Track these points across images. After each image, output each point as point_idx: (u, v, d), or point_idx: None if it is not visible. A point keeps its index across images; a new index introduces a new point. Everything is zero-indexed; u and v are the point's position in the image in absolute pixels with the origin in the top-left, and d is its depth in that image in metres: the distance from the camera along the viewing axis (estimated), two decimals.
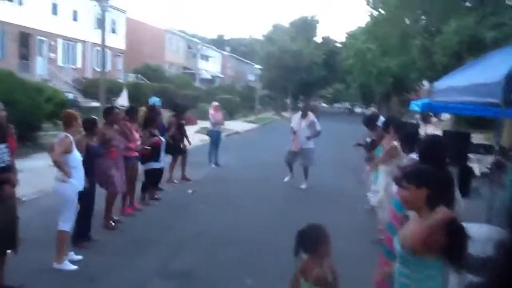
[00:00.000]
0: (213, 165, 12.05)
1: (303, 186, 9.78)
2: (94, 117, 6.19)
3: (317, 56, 52.40)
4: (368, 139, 8.10)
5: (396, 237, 2.71)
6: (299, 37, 54.04)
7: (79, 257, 5.20)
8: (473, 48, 18.02)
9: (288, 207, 8.29)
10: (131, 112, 7.29)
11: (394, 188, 4.40)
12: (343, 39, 58.63)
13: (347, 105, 77.21)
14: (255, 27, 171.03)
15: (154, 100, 16.45)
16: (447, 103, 8.45)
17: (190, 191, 8.93)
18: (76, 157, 5.05)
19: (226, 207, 8.07)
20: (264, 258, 5.61)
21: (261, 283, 4.85)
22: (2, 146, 4.09)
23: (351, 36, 55.20)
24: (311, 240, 2.93)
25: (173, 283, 4.80)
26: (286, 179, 10.08)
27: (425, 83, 32.56)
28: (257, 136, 21.91)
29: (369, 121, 8.05)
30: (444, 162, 3.69)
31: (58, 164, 4.89)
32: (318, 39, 61.69)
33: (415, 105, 11.39)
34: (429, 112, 14.74)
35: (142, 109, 8.25)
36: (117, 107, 7.79)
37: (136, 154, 7.17)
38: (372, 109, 49.07)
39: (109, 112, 6.61)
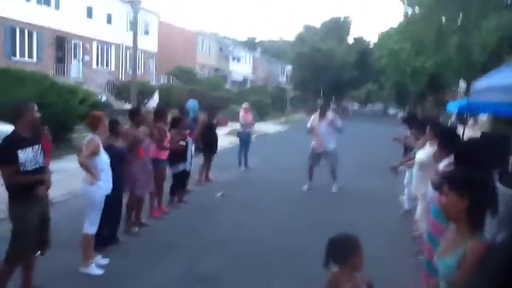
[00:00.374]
0: (243, 168, 11.93)
1: (334, 189, 9.48)
2: (116, 118, 6.15)
3: (349, 56, 51.70)
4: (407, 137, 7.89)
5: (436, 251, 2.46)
6: (330, 37, 53.49)
7: (106, 260, 5.15)
8: None
9: (318, 211, 8.06)
10: (159, 113, 7.21)
11: (434, 195, 4.12)
12: (376, 40, 57.80)
13: (380, 106, 75.84)
14: (286, 29, 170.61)
15: (192, 104, 16.52)
16: (487, 103, 8.04)
17: (219, 194, 8.80)
18: (104, 159, 4.99)
19: (254, 210, 7.92)
20: (291, 263, 5.44)
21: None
22: (36, 147, 4.07)
23: (385, 36, 54.28)
24: (341, 251, 2.72)
25: (199, 287, 4.66)
26: (305, 187, 9.54)
27: (461, 82, 31.56)
28: (287, 137, 21.67)
29: (410, 119, 7.88)
30: (483, 167, 3.40)
31: (85, 167, 4.85)
32: (350, 39, 61.00)
33: (453, 106, 10.95)
34: (467, 113, 14.17)
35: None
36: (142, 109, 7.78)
37: (165, 156, 7.09)
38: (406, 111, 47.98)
39: (135, 113, 6.53)
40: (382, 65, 48.60)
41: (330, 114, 9.58)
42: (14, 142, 3.95)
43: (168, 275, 4.94)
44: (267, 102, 34.33)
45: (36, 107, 4.15)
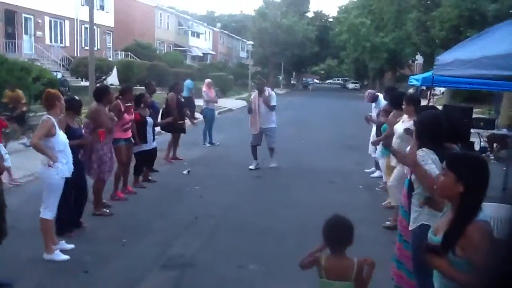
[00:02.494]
0: (208, 144, 11.73)
1: (272, 164, 9.14)
2: (74, 96, 5.82)
3: (310, 32, 51.66)
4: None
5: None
6: (290, 12, 53.17)
7: (71, 246, 4.91)
8: (473, 22, 17.64)
9: (285, 187, 8.00)
10: (125, 91, 6.91)
11: (406, 169, 4.11)
12: (335, 14, 57.97)
13: (339, 81, 76.57)
14: (246, 3, 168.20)
15: (188, 83, 16.43)
16: (450, 77, 8.14)
17: (185, 172, 8.62)
18: (62, 140, 4.68)
19: (222, 188, 7.79)
20: (263, 241, 5.36)
21: (264, 268, 4.59)
22: None
23: (344, 10, 54.48)
24: (335, 237, 2.67)
25: (173, 273, 4.52)
26: (252, 166, 9.07)
27: (419, 58, 32.21)
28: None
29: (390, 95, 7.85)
30: (444, 139, 3.39)
31: (39, 148, 4.52)
32: (310, 14, 60.88)
33: (415, 80, 11.08)
34: (429, 86, 14.43)
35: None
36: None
37: (126, 135, 6.81)
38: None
39: (104, 91, 6.20)
40: (341, 40, 48.86)
41: (267, 91, 9.11)
42: None
43: (139, 259, 4.75)
44: (229, 78, 33.96)
45: None
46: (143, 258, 4.79)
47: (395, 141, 5.74)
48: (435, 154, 3.14)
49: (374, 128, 8.42)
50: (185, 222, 5.94)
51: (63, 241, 4.91)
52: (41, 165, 4.62)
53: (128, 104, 6.80)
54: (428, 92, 10.51)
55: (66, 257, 4.68)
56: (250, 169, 9.00)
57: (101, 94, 6.20)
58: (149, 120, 7.55)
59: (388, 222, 5.78)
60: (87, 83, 21.07)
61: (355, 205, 6.60)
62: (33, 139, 4.55)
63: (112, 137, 6.28)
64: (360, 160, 9.79)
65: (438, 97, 24.82)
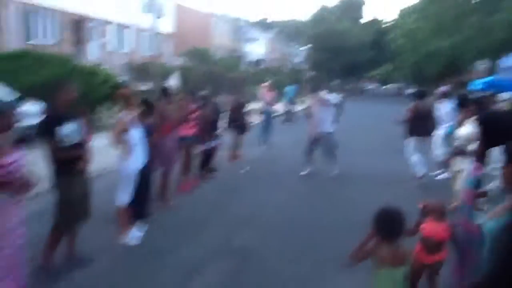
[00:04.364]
0: (264, 146, 12.04)
1: (335, 171, 8.86)
2: (147, 97, 6.30)
3: (365, 37, 51.07)
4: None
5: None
6: (345, 18, 52.84)
7: (141, 233, 5.33)
8: None
9: (339, 188, 8.12)
10: (191, 94, 7.41)
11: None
12: (390, 19, 56.93)
13: (396, 86, 74.86)
14: (299, 9, 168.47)
15: (290, 89, 17.88)
16: None
17: (243, 170, 8.96)
18: (135, 135, 5.13)
19: (277, 187, 8.03)
20: (318, 237, 5.56)
21: (318, 264, 4.79)
22: (74, 124, 4.22)
23: (401, 15, 53.35)
24: (387, 226, 2.84)
25: (235, 261, 4.81)
26: (304, 172, 8.92)
27: (481, 62, 31.05)
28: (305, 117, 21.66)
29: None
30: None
31: (117, 143, 5.00)
32: (364, 20, 60.21)
33: (476, 84, 10.86)
34: (491, 91, 14.04)
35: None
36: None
37: (192, 133, 7.23)
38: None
39: (167, 92, 6.67)
40: (398, 45, 47.86)
41: (322, 93, 9.02)
42: (54, 118, 4.10)
43: (202, 247, 5.09)
44: (285, 83, 34.21)
45: (74, 86, 4.29)
46: (205, 247, 5.12)
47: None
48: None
49: (442, 130, 8.37)
50: (243, 217, 6.24)
51: (135, 228, 5.34)
52: (118, 157, 5.08)
53: (194, 105, 7.23)
54: (488, 98, 10.27)
55: (137, 242, 5.10)
56: (301, 175, 8.88)
57: (168, 94, 6.67)
58: (214, 119, 7.96)
59: None
60: (148, 87, 22.10)
61: (410, 207, 6.63)
62: (112, 134, 5.01)
63: (177, 134, 6.70)
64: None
65: (505, 103, 23.87)
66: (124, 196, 5.13)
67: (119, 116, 5.13)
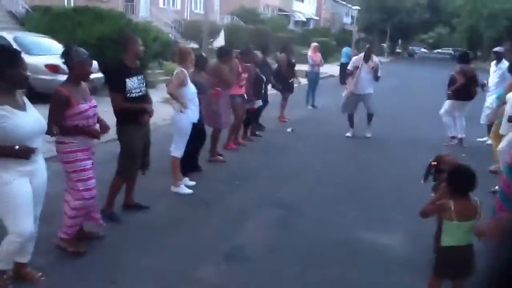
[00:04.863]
0: (310, 107, 12.14)
1: (368, 134, 8.99)
2: (201, 53, 6.50)
3: None
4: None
5: None
6: None
7: (193, 182, 5.68)
8: None
9: (386, 150, 8.20)
10: (244, 53, 7.55)
11: None
12: None
13: (450, 50, 71.79)
14: None
15: (346, 50, 18.33)
16: None
17: (289, 129, 9.17)
18: (191, 90, 5.39)
19: (324, 147, 8.20)
20: (363, 194, 5.76)
21: (362, 216, 5.00)
22: (140, 77, 4.51)
23: None
24: (462, 181, 3.02)
25: (279, 213, 5.07)
26: (349, 134, 9.02)
27: None
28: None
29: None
30: None
31: (174, 96, 5.29)
32: None
33: None
34: None
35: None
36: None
37: (242, 92, 7.43)
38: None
39: (225, 52, 6.85)
40: (456, 6, 45.57)
41: (375, 58, 9.01)
42: (122, 70, 4.38)
43: (250, 199, 5.39)
44: (332, 44, 33.60)
45: (140, 41, 4.54)
46: (253, 197, 5.42)
47: (508, 110, 5.73)
48: None
49: (491, 97, 8.27)
50: (290, 173, 6.49)
51: (187, 178, 5.69)
52: (174, 110, 5.39)
53: (248, 64, 7.41)
54: None
55: (189, 191, 5.46)
56: (347, 137, 9.00)
57: (224, 54, 6.85)
58: (263, 78, 8.11)
59: (497, 187, 5.79)
60: (196, 45, 22.33)
61: None
62: (169, 88, 5.30)
63: (229, 92, 6.93)
64: (468, 129, 9.57)
65: None
66: (178, 149, 5.46)
67: (175, 71, 5.38)
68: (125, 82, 4.35)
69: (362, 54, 8.96)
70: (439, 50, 77.45)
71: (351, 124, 9.06)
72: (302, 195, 5.64)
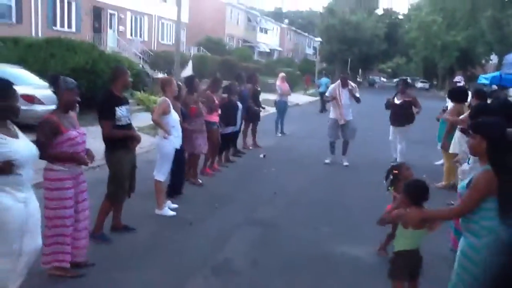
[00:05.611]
0: (279, 134, 12.67)
1: (345, 163, 9.25)
2: (179, 83, 6.90)
3: (378, 29, 51.25)
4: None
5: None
6: (359, 9, 52.96)
7: (176, 205, 5.98)
8: None
9: (354, 173, 8.75)
10: (214, 82, 8.01)
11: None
12: (406, 11, 56.85)
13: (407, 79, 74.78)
14: (313, 0, 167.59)
15: (325, 80, 19.37)
16: None
17: (262, 155, 9.62)
18: (174, 117, 5.77)
19: (296, 171, 8.67)
20: (334, 212, 6.25)
21: (336, 231, 5.44)
22: (127, 106, 4.85)
23: (415, 7, 53.35)
24: (417, 193, 3.37)
25: (259, 230, 5.47)
26: (328, 160, 9.35)
27: (493, 57, 31.23)
28: (317, 108, 22.21)
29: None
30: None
31: (157, 123, 5.66)
32: (379, 11, 60.17)
33: (484, 79, 11.36)
34: (497, 85, 14.48)
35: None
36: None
37: (217, 119, 7.84)
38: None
39: (190, 81, 7.28)
40: (411, 38, 48.05)
41: (351, 83, 9.39)
42: (112, 99, 4.73)
43: (230, 219, 5.74)
44: (297, 74, 34.69)
45: (129, 73, 4.91)
46: (233, 218, 5.78)
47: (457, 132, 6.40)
48: None
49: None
50: (265, 195, 6.90)
51: (169, 201, 5.99)
52: (157, 137, 5.74)
53: (224, 95, 7.89)
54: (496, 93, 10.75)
55: (173, 213, 5.77)
56: (326, 163, 9.25)
57: (191, 84, 7.28)
58: (239, 105, 8.57)
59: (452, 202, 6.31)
60: (164, 75, 22.71)
61: None
62: (153, 116, 5.66)
63: (203, 120, 7.32)
64: (424, 154, 10.29)
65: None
66: (161, 173, 5.78)
67: (158, 100, 5.76)
68: (115, 111, 4.68)
69: (338, 82, 9.39)
70: (397, 79, 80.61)
71: (332, 151, 9.36)
72: (278, 215, 6.05)
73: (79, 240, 4.10)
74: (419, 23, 44.46)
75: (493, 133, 2.91)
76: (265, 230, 5.48)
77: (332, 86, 9.71)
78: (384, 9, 61.81)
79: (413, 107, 9.10)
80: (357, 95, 9.34)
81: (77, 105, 4.17)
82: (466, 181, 3.03)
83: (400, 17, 60.86)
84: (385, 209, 3.84)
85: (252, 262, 4.57)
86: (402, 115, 9.05)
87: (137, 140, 4.92)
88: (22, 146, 3.21)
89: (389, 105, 9.25)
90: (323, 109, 19.38)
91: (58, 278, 3.91)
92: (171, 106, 5.74)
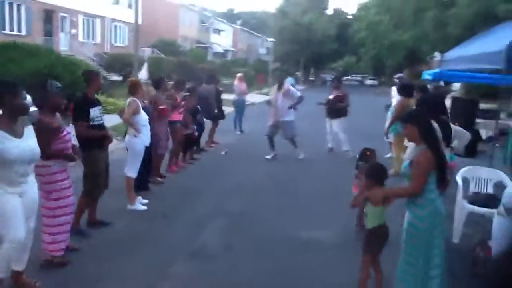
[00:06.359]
0: (238, 132, 13.10)
1: (301, 156, 9.65)
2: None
3: (329, 29, 52.72)
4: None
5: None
6: (310, 9, 54.25)
7: (146, 200, 6.26)
8: (487, 21, 18.55)
9: (309, 164, 9.29)
10: (179, 84, 8.35)
11: None
12: (355, 11, 58.72)
13: (357, 77, 77.11)
14: (265, 1, 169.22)
15: (290, 80, 19.79)
16: (456, 71, 9.33)
17: (223, 152, 10.01)
18: (143, 117, 6.07)
19: (257, 165, 9.11)
20: (300, 200, 6.76)
21: (300, 216, 5.92)
22: (100, 107, 5.12)
23: (363, 8, 55.20)
24: (379, 174, 3.80)
25: (229, 219, 5.87)
26: (269, 157, 9.65)
27: (437, 54, 32.96)
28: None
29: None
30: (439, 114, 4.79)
31: (128, 123, 5.93)
32: (329, 11, 61.83)
33: (427, 75, 12.21)
34: (440, 81, 15.47)
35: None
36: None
37: (181, 118, 8.15)
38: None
39: (160, 81, 7.56)
40: (360, 37, 49.73)
41: (286, 85, 9.62)
42: (86, 101, 4.99)
43: (200, 211, 6.09)
44: (251, 74, 35.20)
45: (101, 76, 5.17)
46: (204, 209, 6.14)
47: None
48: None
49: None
50: (231, 188, 7.30)
51: (140, 197, 6.26)
52: (128, 135, 6.01)
53: (186, 94, 8.20)
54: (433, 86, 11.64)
55: (144, 207, 6.05)
56: (267, 159, 9.55)
57: (157, 83, 7.59)
58: (199, 107, 8.91)
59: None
60: (119, 78, 22.63)
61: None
62: (124, 116, 5.93)
63: (167, 121, 7.61)
64: (374, 147, 10.92)
65: (454, 94, 25.73)
66: (132, 170, 6.06)
67: (128, 100, 6.03)
68: (88, 112, 4.94)
69: (276, 85, 9.76)
70: (348, 77, 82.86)
71: (272, 147, 9.69)
72: (246, 204, 6.48)
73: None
74: (367, 23, 46.15)
75: (420, 120, 3.54)
76: (235, 219, 5.88)
77: (273, 89, 10.00)
78: (334, 10, 63.59)
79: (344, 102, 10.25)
80: (297, 95, 9.55)
81: (62, 107, 4.42)
82: (407, 162, 3.56)
83: (350, 17, 62.73)
84: (352, 194, 4.34)
85: (227, 246, 4.96)
86: (334, 109, 10.25)
87: (109, 139, 5.20)
88: (21, 146, 3.44)
89: (322, 103, 10.56)
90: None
91: (46, 266, 4.16)
92: (140, 106, 6.03)
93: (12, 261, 3.61)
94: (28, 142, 3.54)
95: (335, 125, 10.37)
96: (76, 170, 5.46)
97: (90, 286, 4.00)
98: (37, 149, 3.60)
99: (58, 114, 4.38)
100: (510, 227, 3.02)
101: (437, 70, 10.92)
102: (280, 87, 9.57)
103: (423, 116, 3.62)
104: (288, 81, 10.91)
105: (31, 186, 3.67)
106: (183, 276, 4.27)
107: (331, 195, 6.98)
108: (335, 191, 7.12)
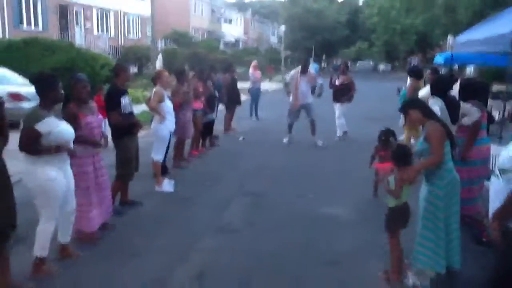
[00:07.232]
0: (254, 118, 13.48)
1: (319, 143, 9.84)
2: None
3: (340, 16, 52.53)
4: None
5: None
6: None
7: (172, 181, 6.66)
8: (497, 5, 18.54)
9: (326, 149, 9.62)
10: (200, 73, 8.78)
11: None
12: None
13: (370, 63, 76.86)
14: None
15: (314, 66, 19.83)
16: (467, 54, 9.55)
17: (241, 138, 10.39)
18: (168, 104, 6.47)
19: (275, 150, 9.48)
20: (317, 182, 7.10)
21: (319, 197, 6.30)
22: (129, 97, 5.51)
23: None
24: (404, 156, 3.90)
25: (251, 199, 6.28)
26: (285, 140, 10.04)
27: (450, 38, 32.81)
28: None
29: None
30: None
31: (154, 110, 6.34)
32: None
33: (439, 58, 12.40)
34: (453, 65, 15.56)
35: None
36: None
37: (202, 106, 8.53)
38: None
39: (182, 73, 7.93)
40: (371, 23, 49.54)
41: (311, 71, 10.03)
42: (118, 91, 5.38)
43: (223, 192, 6.51)
44: (264, 63, 35.40)
45: (129, 69, 5.57)
46: (226, 191, 6.54)
47: None
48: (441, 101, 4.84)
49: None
50: (251, 171, 7.69)
51: (166, 179, 6.67)
52: (154, 122, 6.42)
53: (207, 83, 8.62)
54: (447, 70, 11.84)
55: (172, 189, 6.47)
56: (284, 143, 9.96)
57: (178, 75, 7.95)
58: (216, 95, 9.29)
59: None
60: (134, 69, 23.08)
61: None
62: (150, 103, 6.34)
63: (191, 108, 7.99)
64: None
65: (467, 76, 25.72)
66: (159, 154, 6.49)
67: (154, 90, 6.44)
68: (119, 101, 5.33)
69: (299, 68, 10.03)
70: (360, 62, 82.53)
71: (290, 131, 10.08)
72: (266, 186, 6.86)
73: (104, 202, 4.83)
74: (379, 8, 45.95)
75: (417, 103, 4.01)
76: (256, 199, 6.27)
77: (293, 71, 10.23)
78: None
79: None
80: (319, 81, 10.20)
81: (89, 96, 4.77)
82: (420, 140, 3.87)
83: (360, 3, 62.39)
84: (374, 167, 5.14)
85: (249, 223, 5.35)
86: (339, 94, 10.64)
87: (139, 126, 5.60)
88: (66, 128, 3.91)
89: (332, 85, 10.80)
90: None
91: (79, 243, 4.57)
92: (165, 95, 6.43)
93: (49, 239, 3.92)
94: (68, 125, 3.97)
95: (339, 109, 10.64)
96: (109, 155, 5.87)
97: (126, 259, 4.39)
98: (72, 129, 4.01)
99: (92, 102, 4.76)
100: (504, 188, 3.28)
101: (448, 53, 11.12)
102: (304, 70, 9.80)
103: (419, 100, 4.15)
104: (314, 67, 11.29)
105: (68, 165, 4.06)
106: (211, 249, 4.67)
107: (347, 176, 7.36)
108: (350, 172, 7.50)
